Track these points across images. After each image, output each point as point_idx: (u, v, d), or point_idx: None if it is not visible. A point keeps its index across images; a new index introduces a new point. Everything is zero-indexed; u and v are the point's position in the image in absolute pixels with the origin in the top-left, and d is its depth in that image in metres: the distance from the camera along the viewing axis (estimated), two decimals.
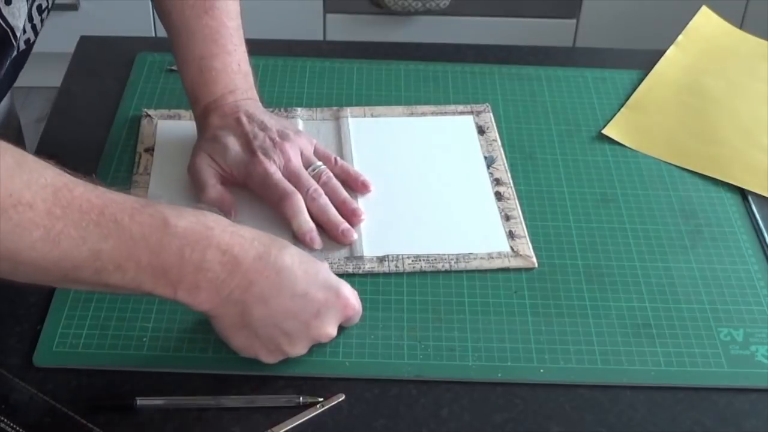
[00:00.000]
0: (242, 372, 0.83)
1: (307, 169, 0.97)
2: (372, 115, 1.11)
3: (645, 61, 1.20)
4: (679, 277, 0.93)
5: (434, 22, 2.40)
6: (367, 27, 2.41)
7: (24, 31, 0.90)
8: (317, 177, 0.97)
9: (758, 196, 1.02)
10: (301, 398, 0.81)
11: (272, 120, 0.99)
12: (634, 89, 1.16)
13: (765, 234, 0.98)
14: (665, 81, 1.18)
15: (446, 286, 0.91)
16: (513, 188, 1.02)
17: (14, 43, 0.88)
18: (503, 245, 0.95)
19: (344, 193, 0.98)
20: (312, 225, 0.94)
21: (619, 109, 1.13)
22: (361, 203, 0.98)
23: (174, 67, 1.08)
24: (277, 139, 0.97)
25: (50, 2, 0.94)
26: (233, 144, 0.97)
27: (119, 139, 1.06)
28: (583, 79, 1.18)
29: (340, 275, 0.86)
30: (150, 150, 1.04)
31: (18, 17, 0.87)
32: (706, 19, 1.28)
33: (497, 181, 1.02)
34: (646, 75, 1.18)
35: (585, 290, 0.92)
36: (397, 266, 0.93)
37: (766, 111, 1.13)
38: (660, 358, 0.86)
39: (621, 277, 0.93)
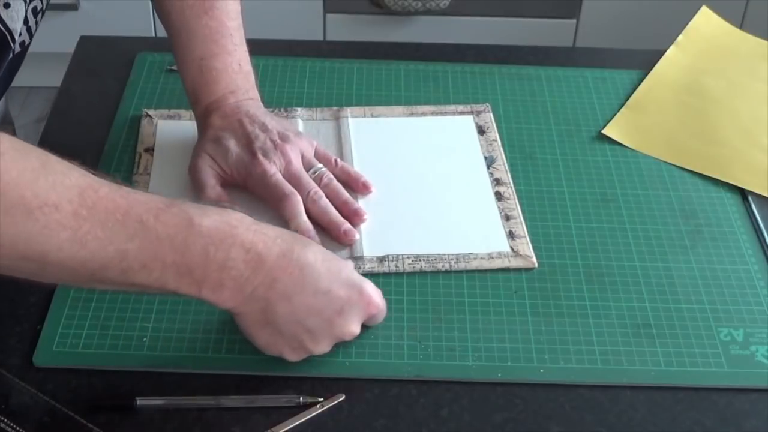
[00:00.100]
0: (242, 372, 0.83)
1: (308, 171, 0.98)
2: (372, 115, 1.11)
3: (645, 61, 1.20)
4: (679, 277, 0.93)
5: (434, 22, 2.40)
6: (367, 27, 2.41)
7: (20, 34, 0.90)
8: (318, 179, 0.98)
9: (758, 196, 1.02)
10: (301, 398, 0.81)
11: (273, 121, 0.99)
12: (634, 89, 1.16)
13: (765, 234, 0.98)
14: (665, 81, 1.18)
15: (446, 286, 0.91)
16: (513, 188, 1.02)
17: (12, 45, 0.88)
18: (503, 245, 0.95)
19: (345, 194, 0.98)
20: (310, 226, 0.94)
21: (619, 109, 1.13)
22: (361, 203, 0.98)
23: (174, 67, 1.08)
24: (278, 141, 0.97)
25: (45, 4, 0.94)
26: (234, 146, 0.97)
27: (119, 139, 1.06)
28: (583, 79, 1.18)
29: None
30: (150, 150, 1.04)
31: (16, 20, 0.87)
32: (706, 19, 1.28)
33: (497, 181, 1.02)
34: (646, 75, 1.18)
35: (585, 290, 0.92)
36: (397, 266, 0.93)
37: (766, 111, 1.13)
38: (660, 358, 0.85)
39: (621, 277, 0.93)
